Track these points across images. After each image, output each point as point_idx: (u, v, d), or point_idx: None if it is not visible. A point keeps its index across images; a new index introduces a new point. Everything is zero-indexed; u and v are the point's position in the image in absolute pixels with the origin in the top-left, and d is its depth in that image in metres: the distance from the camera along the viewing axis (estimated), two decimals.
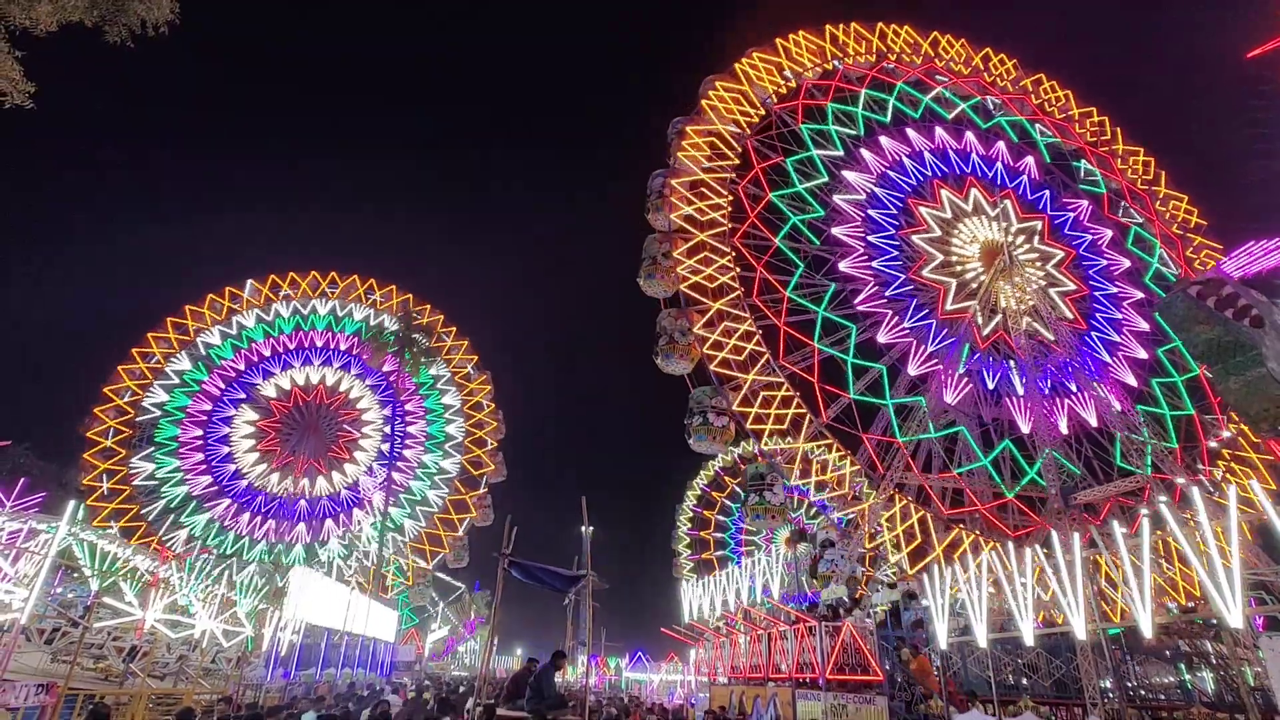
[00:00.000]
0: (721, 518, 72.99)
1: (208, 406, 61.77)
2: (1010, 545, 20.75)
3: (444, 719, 12.41)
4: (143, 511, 55.92)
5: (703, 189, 39.57)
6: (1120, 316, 45.98)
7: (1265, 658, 11.85)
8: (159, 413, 59.44)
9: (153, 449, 58.32)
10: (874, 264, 40.70)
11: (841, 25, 48.31)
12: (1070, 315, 44.71)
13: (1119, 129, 54.40)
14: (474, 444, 65.31)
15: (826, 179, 42.02)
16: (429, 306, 67.93)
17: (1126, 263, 47.95)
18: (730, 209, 39.79)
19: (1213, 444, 42.54)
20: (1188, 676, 27.93)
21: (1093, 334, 44.86)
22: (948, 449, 40.27)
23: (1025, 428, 40.03)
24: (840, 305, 39.78)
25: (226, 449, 61.61)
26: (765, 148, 42.58)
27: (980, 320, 42.21)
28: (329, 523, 63.29)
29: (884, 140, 45.12)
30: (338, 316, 66.90)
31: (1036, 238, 45.44)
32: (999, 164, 48.14)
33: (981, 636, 17.05)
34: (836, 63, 47.20)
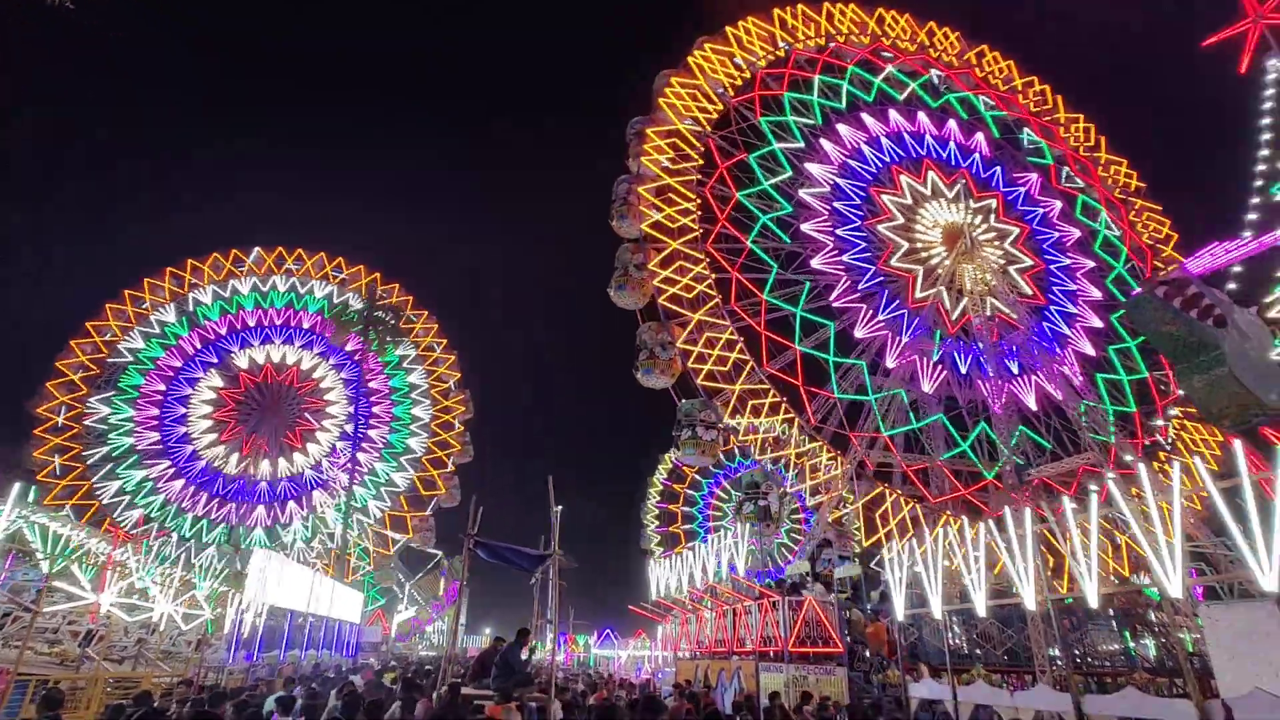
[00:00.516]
0: (691, 492, 73.67)
1: (178, 363, 60.48)
2: (965, 520, 21.37)
3: (409, 696, 12.37)
4: (84, 454, 54.85)
5: (669, 194, 39.22)
6: (1075, 288, 46.95)
7: (1203, 625, 12.45)
8: (130, 358, 58.24)
9: (113, 393, 57.23)
10: (844, 257, 41.10)
11: (789, 8, 47.44)
12: (1030, 291, 45.70)
13: (1059, 97, 54.75)
14: (440, 427, 64.78)
15: (790, 173, 42.09)
16: (397, 286, 66.98)
17: (1076, 232, 49.03)
18: (699, 211, 39.55)
19: (1159, 421, 44.21)
20: (1131, 644, 29.36)
21: (1051, 308, 45.83)
22: (927, 434, 41.24)
23: (996, 407, 40.97)
24: (815, 299, 40.37)
25: (183, 410, 60.31)
26: (727, 143, 42.10)
27: (948, 304, 42.78)
28: (291, 504, 62.34)
29: (842, 128, 45.00)
30: (299, 294, 65.49)
31: (992, 216, 46.17)
32: (951, 143, 48.45)
33: (936, 608, 17.61)
34: (786, 46, 46.49)
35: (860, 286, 40.86)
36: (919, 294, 42.37)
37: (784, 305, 38.95)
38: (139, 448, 57.93)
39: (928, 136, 47.72)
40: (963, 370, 42.60)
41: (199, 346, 61.37)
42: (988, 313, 42.87)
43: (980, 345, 41.67)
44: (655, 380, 35.95)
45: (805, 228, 40.85)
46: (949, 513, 38.09)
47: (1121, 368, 45.42)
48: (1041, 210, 48.86)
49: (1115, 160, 54.29)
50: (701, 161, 41.12)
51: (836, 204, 42.52)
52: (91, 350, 57.71)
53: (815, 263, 40.11)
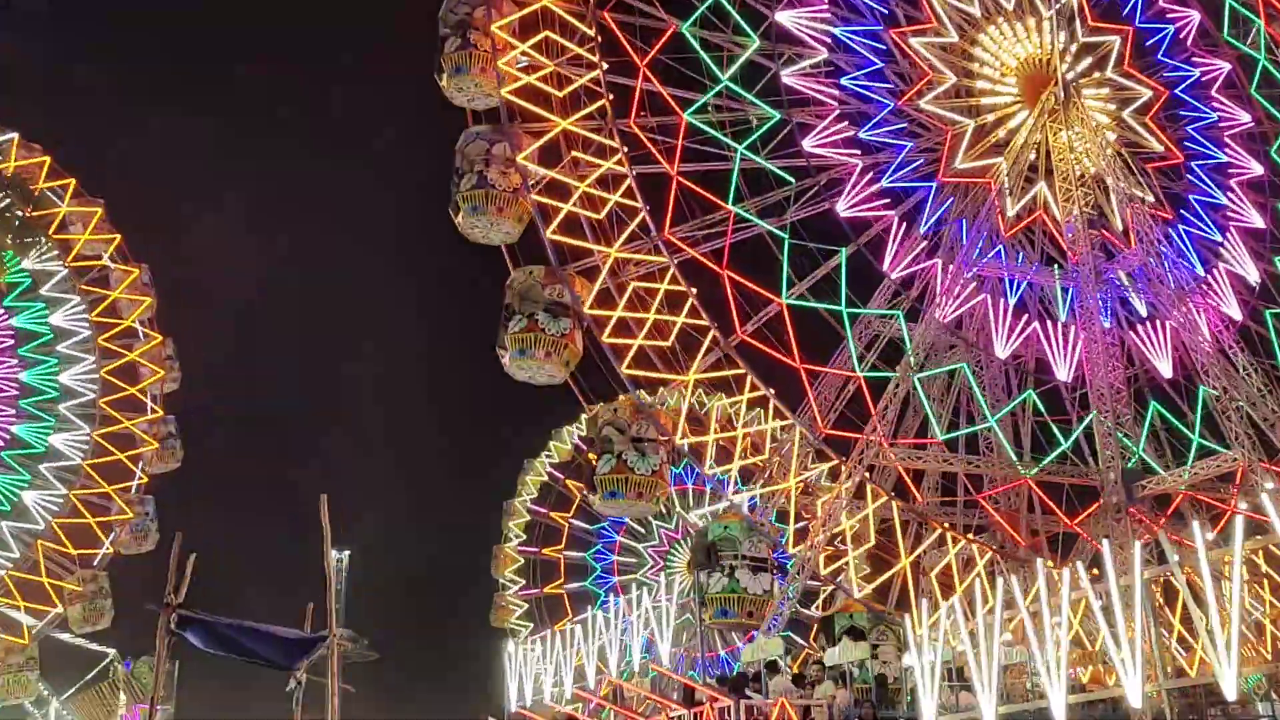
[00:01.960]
0: (580, 523, 73.00)
1: None
2: (1040, 565, 22.44)
3: None
4: None
5: (553, 31, 40.22)
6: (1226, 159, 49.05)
7: None
8: None
9: None
10: (884, 181, 43.34)
11: None
12: (1160, 144, 47.77)
13: None
14: (116, 408, 61.67)
15: (757, 41, 42.74)
16: (47, 160, 62.52)
17: (1225, 66, 50.60)
18: (604, 63, 40.62)
19: None
20: None
21: (1195, 167, 48.45)
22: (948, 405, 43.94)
23: (1063, 373, 43.60)
24: (809, 206, 42.60)
25: None
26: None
27: (1058, 211, 45.06)
28: None
29: None
30: None
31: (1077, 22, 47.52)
32: None
33: (989, 711, 18.58)
34: None
35: (924, 227, 43.27)
36: (1011, 212, 44.39)
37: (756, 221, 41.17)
38: None
39: None
40: (1061, 317, 44.67)
41: None
42: (1115, 210, 44.50)
43: (1055, 269, 44.48)
44: (484, 225, 37.65)
45: (810, 145, 42.44)
46: (973, 538, 41.43)
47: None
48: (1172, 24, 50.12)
49: None
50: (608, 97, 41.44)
51: (845, 80, 43.81)
52: None
53: (842, 208, 42.20)
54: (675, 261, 39.61)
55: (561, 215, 38.74)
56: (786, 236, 41.18)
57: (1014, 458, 42.39)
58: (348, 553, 64.67)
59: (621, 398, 38.44)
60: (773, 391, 39.60)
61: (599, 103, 40.57)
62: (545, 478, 75.30)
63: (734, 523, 37.63)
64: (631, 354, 37.67)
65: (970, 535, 42.21)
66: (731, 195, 40.92)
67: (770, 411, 40.20)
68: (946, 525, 41.85)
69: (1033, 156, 45.42)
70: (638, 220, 39.58)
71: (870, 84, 44.42)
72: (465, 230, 38.28)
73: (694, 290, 39.64)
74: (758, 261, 41.81)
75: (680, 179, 40.42)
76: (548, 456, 75.59)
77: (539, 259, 39.05)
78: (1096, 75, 47.41)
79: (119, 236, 64.78)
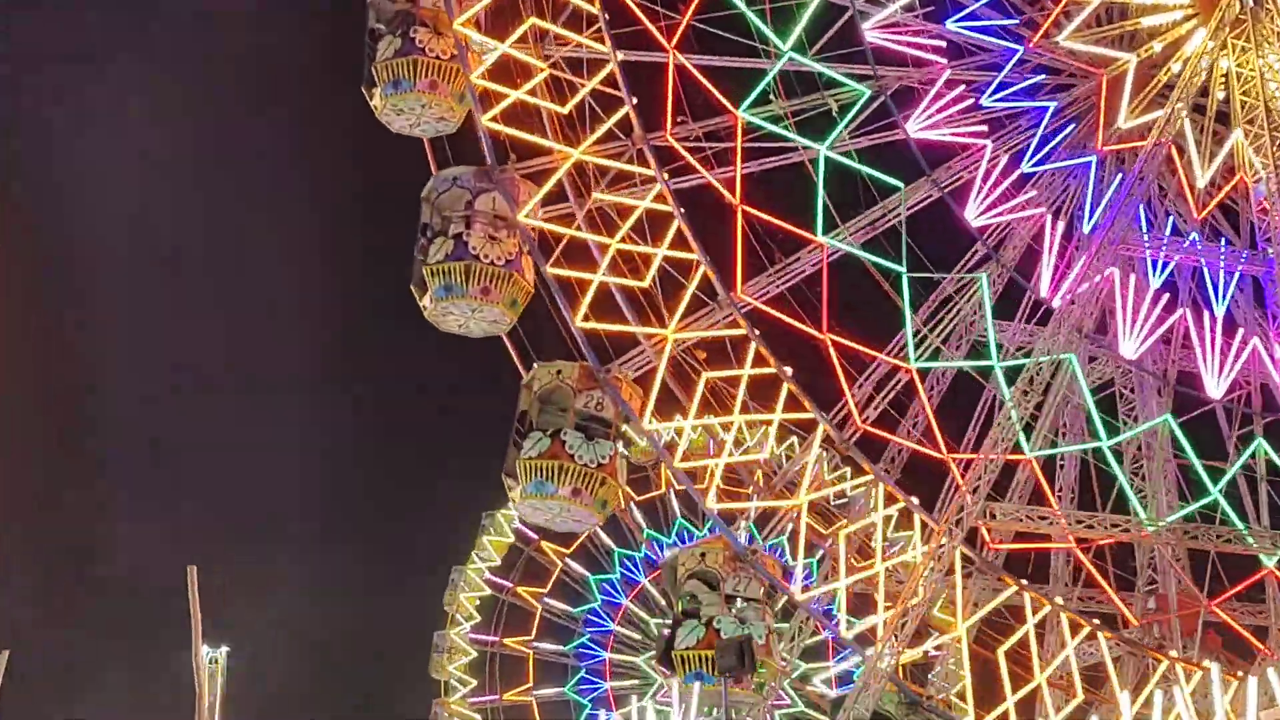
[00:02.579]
0: (554, 605, 63.77)
1: None
2: (1216, 673, 22.67)
3: None
4: None
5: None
6: None
7: None
8: None
9: None
10: (1025, 165, 39.36)
11: None
12: None
13: None
14: None
15: None
16: None
17: None
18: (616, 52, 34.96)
19: None
20: None
21: None
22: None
23: None
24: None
25: None
26: None
27: None
28: None
29: None
30: None
31: None
32: None
33: None
34: None
35: (1089, 225, 38.52)
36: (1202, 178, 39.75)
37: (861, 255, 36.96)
38: None
39: None
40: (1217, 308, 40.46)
41: None
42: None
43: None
44: (464, 312, 32.73)
45: (916, 130, 37.55)
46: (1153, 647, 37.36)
47: None
48: None
49: None
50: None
51: (950, 23, 38.54)
52: None
53: (973, 214, 37.63)
54: (757, 335, 33.56)
55: (592, 291, 32.48)
56: (904, 269, 35.21)
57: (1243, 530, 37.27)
58: (225, 649, 51.83)
59: (709, 538, 34.09)
60: (916, 501, 34.26)
61: (620, 112, 34.19)
62: (486, 590, 64.54)
63: (890, 695, 31.96)
64: (716, 482, 31.78)
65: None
66: (820, 222, 34.92)
67: (918, 530, 34.37)
68: (1155, 650, 36.18)
69: (1221, 95, 39.93)
70: (697, 278, 32.83)
71: (985, 21, 38.62)
72: (434, 318, 33.38)
73: (788, 370, 33.45)
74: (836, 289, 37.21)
75: (748, 210, 34.49)
76: (483, 560, 64.45)
77: (553, 345, 33.65)
78: None
79: None
